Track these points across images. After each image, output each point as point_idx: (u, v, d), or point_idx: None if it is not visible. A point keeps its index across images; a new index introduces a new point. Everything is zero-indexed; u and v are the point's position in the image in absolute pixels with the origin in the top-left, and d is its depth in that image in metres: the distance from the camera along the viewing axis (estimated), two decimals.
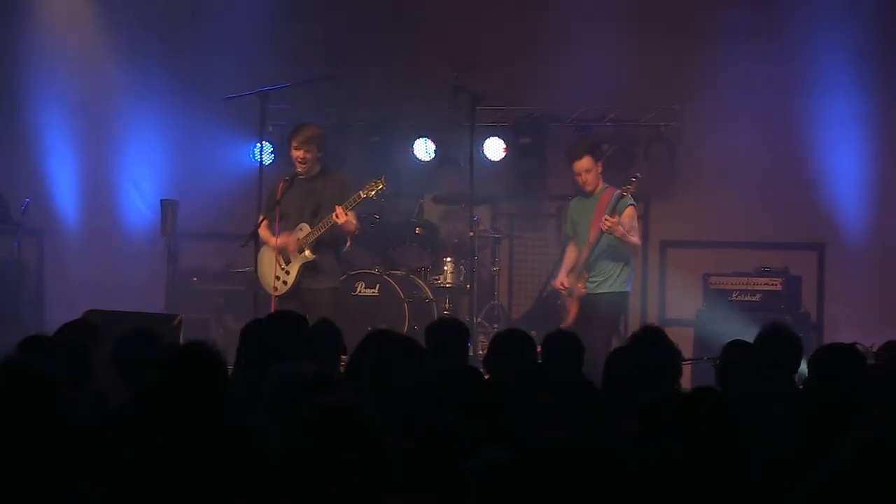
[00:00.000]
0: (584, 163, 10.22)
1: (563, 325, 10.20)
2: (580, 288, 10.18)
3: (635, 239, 10.20)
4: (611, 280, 10.16)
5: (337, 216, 9.77)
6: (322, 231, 9.91)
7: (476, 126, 11.61)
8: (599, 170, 10.31)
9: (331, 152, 12.06)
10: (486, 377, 6.16)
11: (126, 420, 4.96)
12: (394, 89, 13.08)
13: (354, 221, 10.00)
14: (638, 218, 10.36)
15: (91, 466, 4.42)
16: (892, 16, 12.19)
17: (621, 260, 10.19)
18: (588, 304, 10.15)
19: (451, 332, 6.70)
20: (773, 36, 12.40)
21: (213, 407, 4.46)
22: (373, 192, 9.94)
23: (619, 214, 9.98)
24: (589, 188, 10.24)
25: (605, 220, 9.93)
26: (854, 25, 12.21)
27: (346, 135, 13.37)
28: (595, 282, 10.16)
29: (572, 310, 10.24)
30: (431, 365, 5.60)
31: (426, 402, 4.96)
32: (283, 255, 10.03)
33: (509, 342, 6.43)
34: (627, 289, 10.27)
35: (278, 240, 9.99)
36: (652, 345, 6.44)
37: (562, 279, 10.41)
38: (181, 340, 8.28)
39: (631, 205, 10.13)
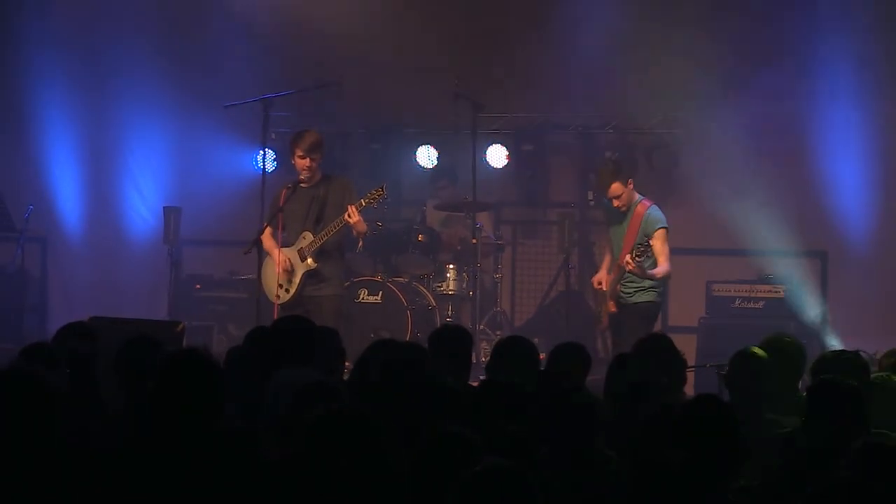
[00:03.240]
0: (614, 189, 10.01)
1: (598, 328, 10.38)
2: (612, 306, 10.08)
3: (658, 270, 9.94)
4: (641, 291, 10.00)
5: (350, 215, 9.75)
6: (326, 238, 9.90)
7: (478, 133, 11.62)
8: (630, 186, 10.07)
9: (333, 159, 12.07)
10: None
11: (125, 426, 4.96)
12: (396, 97, 13.09)
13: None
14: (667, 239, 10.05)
15: (90, 474, 4.42)
16: (892, 20, 12.18)
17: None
18: (621, 313, 10.04)
19: (454, 339, 6.70)
20: (775, 43, 12.40)
21: (209, 412, 4.46)
22: (374, 201, 9.94)
23: (650, 237, 9.86)
24: (623, 209, 10.05)
25: (628, 262, 9.72)
26: (856, 32, 12.20)
27: (348, 142, 13.39)
28: (628, 292, 10.02)
29: (605, 318, 10.19)
30: (436, 372, 5.61)
31: (430, 409, 4.96)
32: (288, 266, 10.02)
33: (512, 349, 6.43)
34: (657, 298, 10.07)
35: (280, 255, 9.95)
36: (657, 352, 6.45)
37: (600, 276, 10.24)
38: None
39: (661, 228, 9.94)
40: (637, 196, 10.12)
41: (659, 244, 9.93)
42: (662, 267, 9.97)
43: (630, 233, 10.00)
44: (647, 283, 9.97)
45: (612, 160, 11.41)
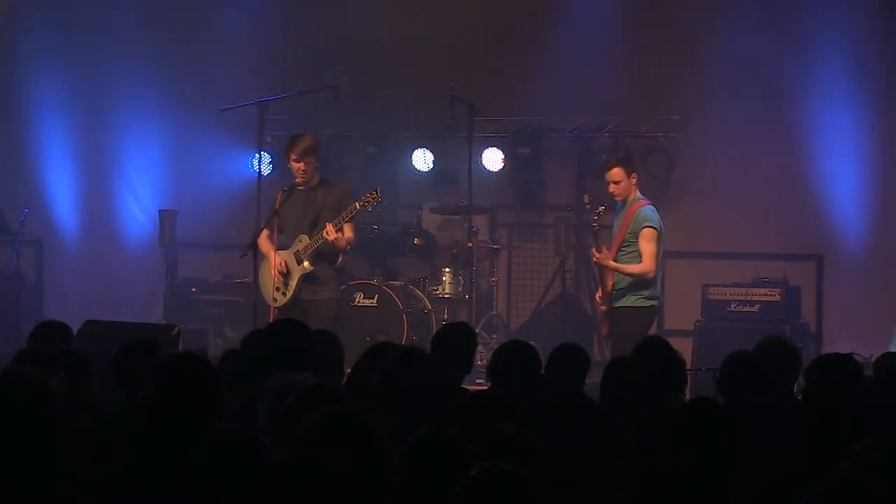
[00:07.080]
0: (614, 174, 9.94)
1: (600, 336, 10.53)
2: (604, 306, 10.05)
3: (635, 268, 9.80)
4: (630, 293, 9.88)
5: (327, 233, 9.73)
6: (321, 242, 9.90)
7: (474, 137, 11.63)
8: (633, 181, 9.98)
9: (329, 163, 12.08)
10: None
11: (122, 430, 4.97)
12: (392, 100, 13.09)
13: (350, 234, 9.94)
14: (657, 240, 9.89)
15: (86, 477, 4.42)
16: (890, 27, 12.20)
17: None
18: (612, 318, 9.98)
19: (459, 336, 6.73)
20: (772, 47, 12.41)
21: (206, 416, 4.46)
22: (367, 204, 9.94)
23: (637, 234, 9.81)
24: (618, 199, 9.98)
25: (594, 254, 9.86)
26: (852, 36, 12.22)
27: (344, 145, 13.39)
28: (616, 296, 9.91)
29: (604, 325, 10.17)
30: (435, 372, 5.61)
31: (427, 412, 4.96)
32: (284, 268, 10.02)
33: (513, 354, 6.42)
34: (649, 303, 9.90)
35: (276, 258, 9.94)
36: (655, 356, 6.45)
37: (599, 291, 10.25)
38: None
39: (648, 227, 9.81)
40: (637, 194, 10.03)
41: (643, 243, 9.83)
42: (638, 266, 9.83)
43: (621, 229, 9.95)
44: (634, 285, 9.85)
45: (625, 152, 11.41)
